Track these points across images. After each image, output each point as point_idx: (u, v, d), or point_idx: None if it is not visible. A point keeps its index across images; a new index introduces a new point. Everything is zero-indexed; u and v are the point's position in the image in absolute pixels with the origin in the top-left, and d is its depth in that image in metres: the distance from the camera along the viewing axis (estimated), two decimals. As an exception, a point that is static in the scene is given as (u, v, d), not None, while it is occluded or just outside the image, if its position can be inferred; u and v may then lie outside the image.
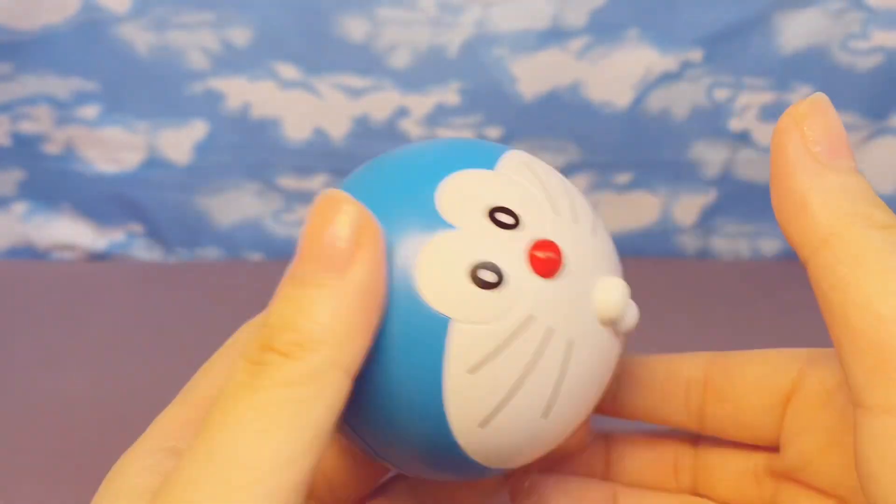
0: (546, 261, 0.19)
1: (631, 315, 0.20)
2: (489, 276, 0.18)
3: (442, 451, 0.19)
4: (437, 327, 0.18)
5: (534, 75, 0.43)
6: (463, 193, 0.19)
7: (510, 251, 0.19)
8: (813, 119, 0.20)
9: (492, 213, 0.19)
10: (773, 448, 0.22)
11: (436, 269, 0.18)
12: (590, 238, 0.20)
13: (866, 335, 0.17)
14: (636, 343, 0.41)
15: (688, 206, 0.48)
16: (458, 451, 0.19)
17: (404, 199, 0.19)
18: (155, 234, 0.48)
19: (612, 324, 0.20)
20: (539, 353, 0.18)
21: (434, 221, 0.19)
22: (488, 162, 0.21)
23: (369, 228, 0.17)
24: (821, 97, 0.20)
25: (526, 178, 0.21)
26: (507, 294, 0.18)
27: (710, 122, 0.45)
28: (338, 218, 0.16)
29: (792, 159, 0.19)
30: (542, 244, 0.19)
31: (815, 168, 0.19)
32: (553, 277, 0.19)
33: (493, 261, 0.18)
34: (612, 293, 0.20)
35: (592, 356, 0.20)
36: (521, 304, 0.18)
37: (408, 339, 0.18)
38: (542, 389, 0.19)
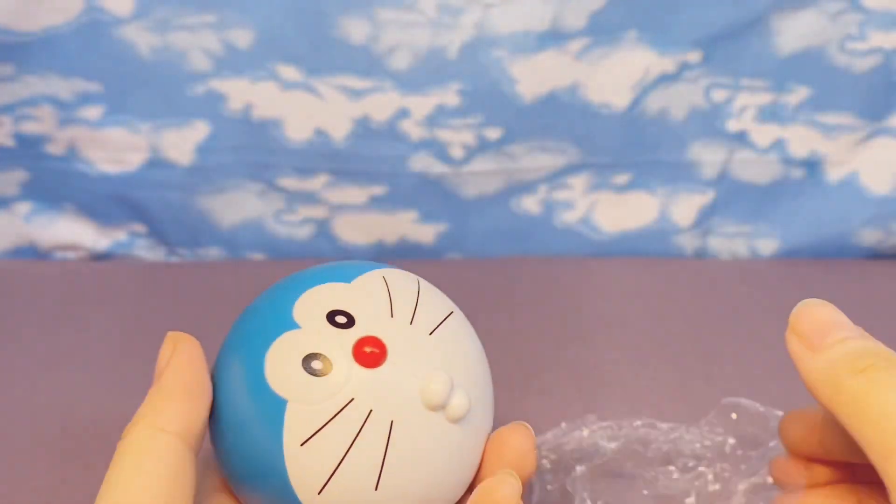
0: (369, 354, 0.23)
1: (458, 405, 0.23)
2: (317, 365, 0.23)
3: None
4: (277, 407, 0.23)
5: (533, 76, 0.44)
6: (314, 301, 0.24)
7: (339, 345, 0.23)
8: (799, 318, 0.25)
9: (330, 315, 0.23)
10: None
11: (279, 359, 0.23)
12: (423, 338, 0.24)
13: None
14: (636, 342, 0.42)
15: (686, 207, 0.48)
16: None
17: (272, 309, 0.24)
18: (157, 234, 0.48)
19: (437, 409, 0.23)
20: (358, 431, 0.22)
21: (286, 324, 0.23)
22: (347, 277, 0.25)
23: (183, 342, 0.24)
24: (804, 303, 0.26)
25: (375, 288, 0.25)
26: (333, 380, 0.22)
27: (708, 122, 0.46)
28: (165, 347, 0.24)
29: (796, 356, 0.25)
30: (368, 340, 0.23)
31: (809, 355, 0.24)
32: (376, 368, 0.23)
33: (324, 353, 0.23)
34: (433, 383, 0.23)
35: (420, 437, 0.23)
36: (344, 390, 0.22)
37: (258, 417, 0.23)
38: (367, 462, 0.22)
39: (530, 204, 0.48)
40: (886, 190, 0.47)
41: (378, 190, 0.47)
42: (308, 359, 0.23)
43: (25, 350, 0.41)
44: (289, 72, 0.44)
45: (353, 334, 0.23)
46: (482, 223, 0.48)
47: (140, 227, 0.48)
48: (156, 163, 0.46)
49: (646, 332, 0.42)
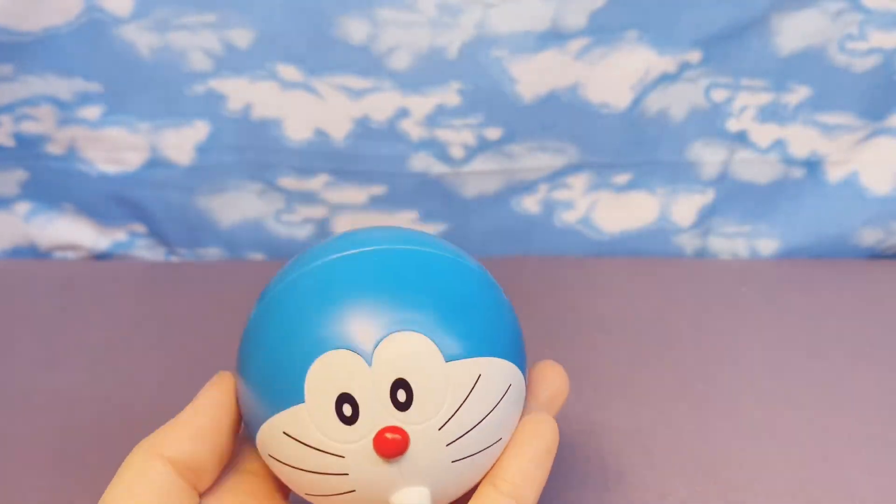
0: (390, 441, 0.22)
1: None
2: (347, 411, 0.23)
3: None
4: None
5: (533, 76, 0.44)
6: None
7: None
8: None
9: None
10: None
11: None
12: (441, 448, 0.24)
13: None
14: (636, 342, 0.42)
15: (686, 207, 0.48)
16: None
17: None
18: (157, 234, 0.48)
19: None
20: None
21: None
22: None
23: (217, 382, 0.25)
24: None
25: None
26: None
27: (708, 122, 0.46)
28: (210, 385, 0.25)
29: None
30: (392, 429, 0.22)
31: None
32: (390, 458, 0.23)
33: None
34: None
35: None
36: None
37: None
38: None
39: (530, 204, 0.48)
40: (886, 190, 0.47)
41: (378, 190, 0.47)
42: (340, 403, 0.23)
43: (25, 349, 0.41)
44: (288, 72, 0.44)
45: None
46: (482, 223, 0.48)
47: (140, 227, 0.48)
48: (155, 162, 0.46)
49: (646, 332, 0.42)
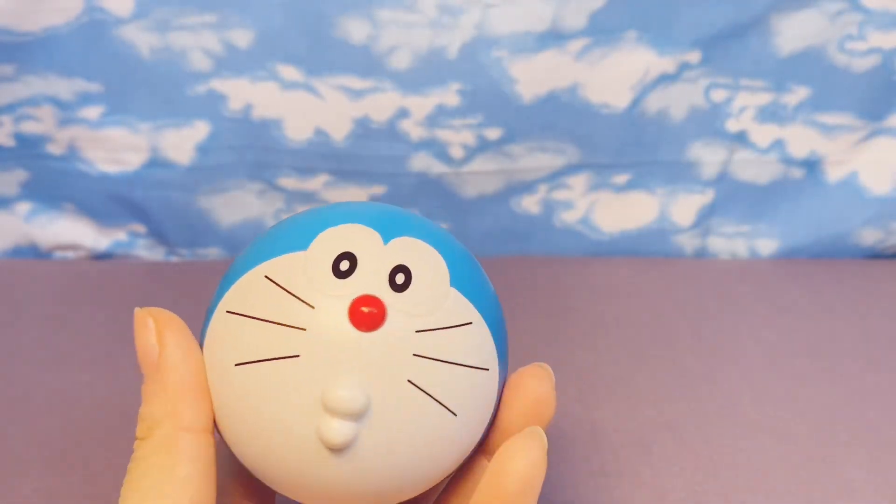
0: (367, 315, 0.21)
1: (334, 429, 0.21)
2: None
3: None
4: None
5: (533, 77, 0.44)
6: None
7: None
8: None
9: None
10: None
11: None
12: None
13: None
14: (636, 342, 0.42)
15: (685, 207, 0.48)
16: None
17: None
18: (157, 234, 0.48)
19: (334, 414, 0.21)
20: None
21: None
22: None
23: (168, 327, 0.23)
24: None
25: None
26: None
27: (708, 123, 0.46)
28: (144, 332, 0.23)
29: None
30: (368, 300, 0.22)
31: None
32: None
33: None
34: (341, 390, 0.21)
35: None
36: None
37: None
38: None
39: (530, 204, 0.48)
40: (886, 190, 0.47)
41: (378, 190, 0.47)
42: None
43: (25, 350, 0.41)
44: (289, 72, 0.44)
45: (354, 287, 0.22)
46: (482, 223, 0.48)
47: (140, 227, 0.48)
48: (156, 163, 0.46)
49: (646, 332, 0.42)
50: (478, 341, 0.23)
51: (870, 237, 0.48)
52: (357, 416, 0.21)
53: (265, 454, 0.22)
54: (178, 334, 0.23)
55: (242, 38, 0.43)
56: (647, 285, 0.46)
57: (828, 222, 0.48)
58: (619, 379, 0.38)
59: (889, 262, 0.49)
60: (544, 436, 0.23)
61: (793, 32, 0.44)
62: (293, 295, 0.22)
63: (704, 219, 0.48)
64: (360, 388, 0.21)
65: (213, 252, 0.49)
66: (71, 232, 0.48)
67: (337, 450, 0.21)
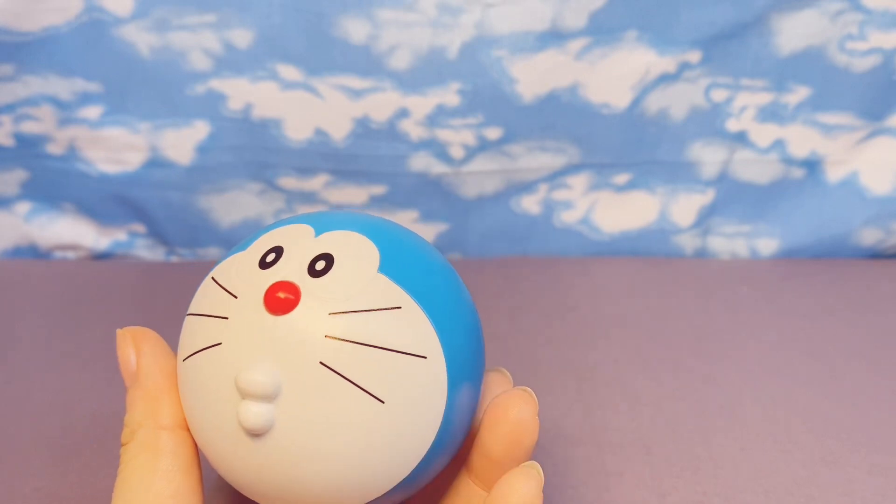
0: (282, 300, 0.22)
1: (247, 411, 0.22)
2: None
3: None
4: None
5: (533, 76, 0.44)
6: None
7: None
8: None
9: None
10: None
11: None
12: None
13: None
14: (636, 342, 0.41)
15: (686, 207, 0.48)
16: None
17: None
18: (157, 234, 0.48)
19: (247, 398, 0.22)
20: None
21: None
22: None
23: (144, 340, 0.25)
24: None
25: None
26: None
27: (708, 122, 0.46)
28: (125, 347, 0.26)
29: None
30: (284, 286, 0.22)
31: None
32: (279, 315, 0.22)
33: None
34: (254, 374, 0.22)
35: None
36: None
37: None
38: None
39: (530, 204, 0.48)
40: (886, 190, 0.47)
41: (378, 190, 0.47)
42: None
43: (25, 350, 0.41)
44: (289, 72, 0.44)
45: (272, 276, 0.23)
46: (482, 223, 0.48)
47: (140, 227, 0.48)
48: (155, 162, 0.46)
49: (646, 332, 0.42)
50: (409, 326, 0.22)
51: (870, 237, 0.48)
52: (269, 398, 0.21)
53: (204, 442, 0.23)
54: (152, 345, 0.25)
55: (242, 37, 0.43)
56: (647, 285, 0.46)
57: (828, 222, 0.48)
58: (619, 379, 0.38)
59: (889, 262, 0.49)
60: (541, 471, 0.23)
61: (793, 32, 0.44)
62: (223, 288, 0.23)
63: (704, 219, 0.48)
64: (269, 371, 0.21)
65: (213, 252, 0.49)
66: (71, 232, 0.48)
67: (255, 433, 0.22)
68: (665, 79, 0.44)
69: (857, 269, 0.48)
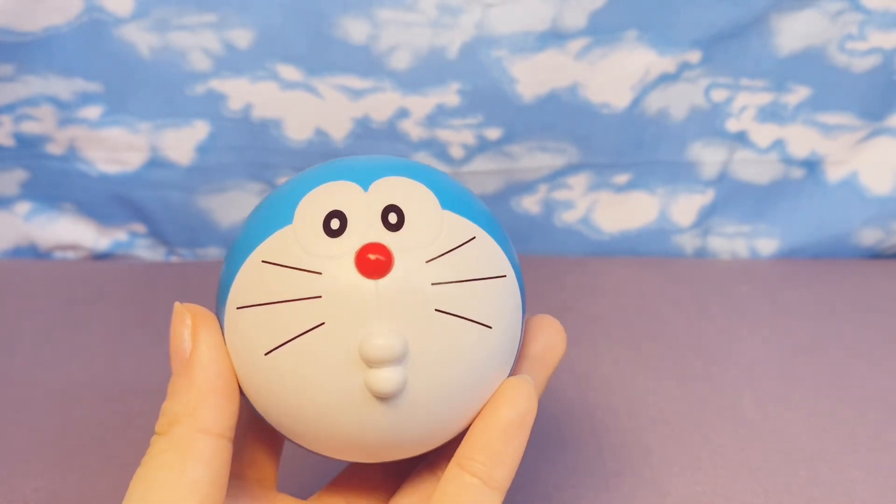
0: (374, 262, 0.22)
1: (385, 378, 0.22)
2: None
3: None
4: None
5: (533, 76, 0.44)
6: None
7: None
8: None
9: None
10: None
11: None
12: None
13: None
14: (636, 343, 0.41)
15: (686, 207, 0.48)
16: None
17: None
18: (157, 234, 0.48)
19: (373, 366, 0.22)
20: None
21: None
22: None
23: (204, 326, 0.23)
24: None
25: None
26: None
27: (708, 122, 0.46)
28: (180, 327, 0.23)
29: None
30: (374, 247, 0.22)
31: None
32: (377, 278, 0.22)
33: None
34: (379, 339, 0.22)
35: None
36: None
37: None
38: None
39: (530, 204, 0.48)
40: (886, 190, 0.47)
41: (378, 190, 0.47)
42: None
43: (25, 350, 0.41)
44: (289, 72, 0.44)
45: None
46: (482, 223, 0.48)
47: (140, 227, 0.48)
48: (155, 162, 0.46)
49: (646, 332, 0.42)
50: (488, 252, 0.23)
51: (870, 237, 0.48)
52: (399, 359, 0.21)
53: (317, 426, 0.23)
54: (213, 335, 0.23)
55: (242, 37, 0.43)
56: (647, 285, 0.46)
57: (828, 222, 0.48)
58: (619, 379, 0.38)
59: (889, 262, 0.49)
60: (532, 381, 0.24)
61: (793, 32, 0.44)
62: (297, 269, 0.22)
63: (704, 219, 0.48)
64: (394, 333, 0.21)
65: (213, 252, 0.49)
66: (71, 232, 0.48)
67: (390, 397, 0.22)
68: (665, 79, 0.44)
69: (857, 269, 0.48)
